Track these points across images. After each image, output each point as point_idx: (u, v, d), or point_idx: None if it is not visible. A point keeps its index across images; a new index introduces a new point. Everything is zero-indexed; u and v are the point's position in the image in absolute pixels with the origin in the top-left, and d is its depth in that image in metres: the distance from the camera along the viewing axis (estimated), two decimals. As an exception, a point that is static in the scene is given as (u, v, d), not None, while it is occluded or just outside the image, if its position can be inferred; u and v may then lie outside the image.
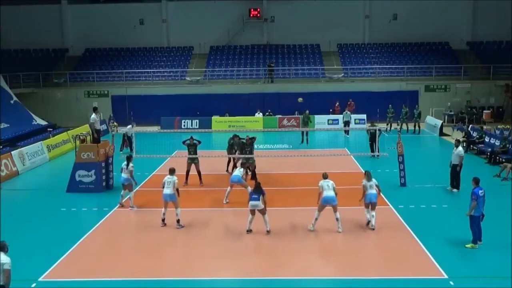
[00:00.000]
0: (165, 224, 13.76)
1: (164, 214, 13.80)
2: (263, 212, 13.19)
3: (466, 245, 12.06)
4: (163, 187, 13.76)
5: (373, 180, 13.59)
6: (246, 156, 18.11)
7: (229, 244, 12.68)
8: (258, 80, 36.84)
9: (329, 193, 13.14)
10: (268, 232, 13.21)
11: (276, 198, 16.57)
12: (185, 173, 18.10)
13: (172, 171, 14.03)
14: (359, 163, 21.36)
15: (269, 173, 19.33)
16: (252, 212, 13.21)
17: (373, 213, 13.43)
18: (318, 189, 13.37)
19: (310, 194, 16.85)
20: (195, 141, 18.21)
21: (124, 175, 15.71)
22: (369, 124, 24.06)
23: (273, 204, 15.99)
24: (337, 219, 13.25)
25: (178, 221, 13.69)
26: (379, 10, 39.23)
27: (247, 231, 13.29)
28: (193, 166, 18.20)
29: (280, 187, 17.97)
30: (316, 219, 13.32)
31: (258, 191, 13.20)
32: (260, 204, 13.07)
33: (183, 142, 18.54)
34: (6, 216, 14.51)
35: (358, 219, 14.01)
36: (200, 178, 18.12)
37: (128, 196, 15.78)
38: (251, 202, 13.12)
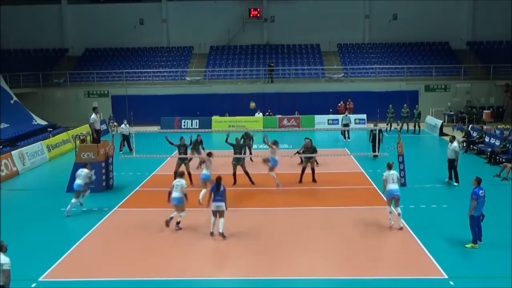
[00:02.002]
0: (168, 226, 13.40)
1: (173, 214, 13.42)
2: (222, 214, 12.73)
3: (466, 245, 12.05)
4: (171, 190, 13.37)
5: (394, 171, 13.50)
6: (237, 156, 18.12)
7: (228, 244, 12.64)
8: (258, 80, 36.84)
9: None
10: (223, 235, 12.69)
11: (276, 198, 16.60)
12: (172, 174, 17.98)
13: (181, 175, 13.88)
14: (359, 163, 21.38)
15: (268, 173, 19.33)
16: (215, 213, 12.77)
17: (399, 210, 13.11)
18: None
19: (310, 194, 16.92)
20: (186, 143, 18.18)
21: (78, 180, 15.33)
22: (373, 124, 23.97)
23: (273, 204, 16.04)
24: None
25: (178, 222, 13.46)
26: (379, 10, 39.24)
27: (211, 233, 12.88)
28: (183, 166, 18.11)
29: (280, 187, 17.96)
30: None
31: (219, 188, 12.70)
32: (223, 205, 12.69)
33: (171, 143, 18.12)
34: (6, 216, 14.50)
35: (358, 219, 14.01)
36: (191, 179, 17.84)
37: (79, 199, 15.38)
38: (215, 203, 12.70)
